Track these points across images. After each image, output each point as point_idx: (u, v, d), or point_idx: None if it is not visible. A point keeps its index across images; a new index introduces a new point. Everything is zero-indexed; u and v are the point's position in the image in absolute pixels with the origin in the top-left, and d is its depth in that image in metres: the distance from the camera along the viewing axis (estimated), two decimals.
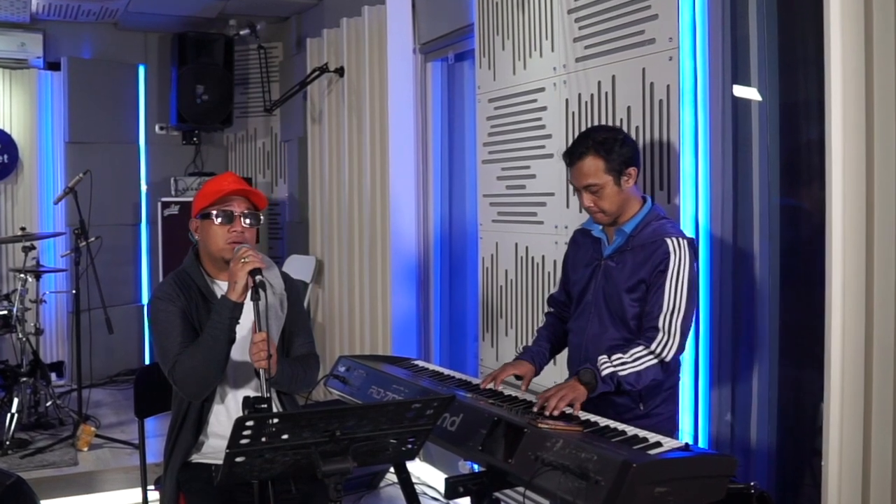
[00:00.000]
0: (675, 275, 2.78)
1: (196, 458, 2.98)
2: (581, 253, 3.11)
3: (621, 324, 2.90)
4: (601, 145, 2.87)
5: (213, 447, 2.96)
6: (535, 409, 2.67)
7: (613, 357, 2.75)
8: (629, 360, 2.74)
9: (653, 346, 2.76)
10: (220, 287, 3.00)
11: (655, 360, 2.76)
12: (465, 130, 5.19)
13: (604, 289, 2.95)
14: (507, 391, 2.98)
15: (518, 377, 3.04)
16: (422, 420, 2.30)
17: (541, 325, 3.31)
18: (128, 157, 7.62)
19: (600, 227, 3.00)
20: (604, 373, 2.72)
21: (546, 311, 3.32)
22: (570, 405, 2.67)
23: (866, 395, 2.47)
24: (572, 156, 2.92)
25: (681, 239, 2.83)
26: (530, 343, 3.24)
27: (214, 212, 2.94)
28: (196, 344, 2.85)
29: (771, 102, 3.18)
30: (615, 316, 2.92)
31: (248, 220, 2.96)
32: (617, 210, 2.91)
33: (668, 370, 2.84)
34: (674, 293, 2.78)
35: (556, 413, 2.61)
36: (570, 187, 3.64)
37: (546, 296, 3.95)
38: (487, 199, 4.44)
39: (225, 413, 2.99)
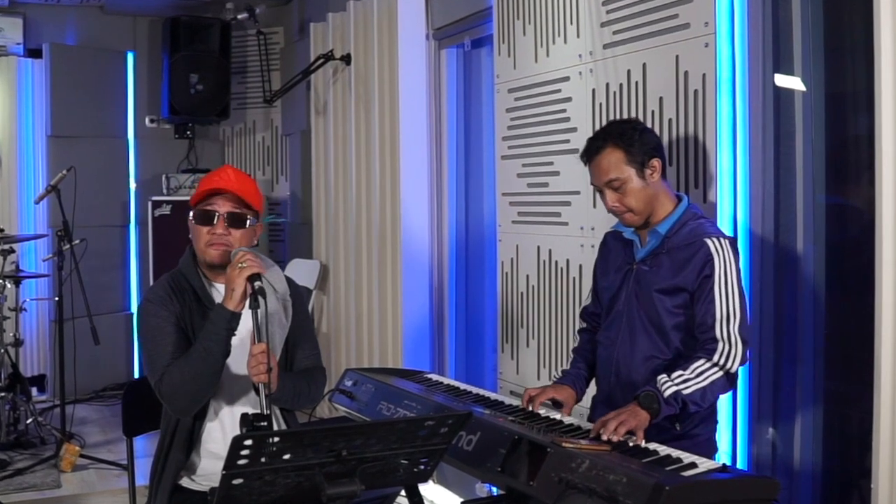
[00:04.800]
0: (723, 278, 2.76)
1: (188, 482, 2.98)
2: (612, 257, 3.10)
3: (657, 333, 2.89)
4: (620, 137, 2.89)
5: (207, 469, 2.96)
6: (591, 436, 2.62)
7: (674, 375, 2.70)
8: (692, 375, 2.69)
9: (715, 358, 2.72)
10: (218, 290, 2.99)
11: (721, 373, 2.71)
12: (482, 123, 5.20)
13: (636, 295, 2.93)
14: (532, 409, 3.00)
15: (557, 402, 3.02)
16: (436, 439, 2.31)
17: (575, 344, 3.27)
18: (115, 153, 7.67)
19: (632, 228, 3.00)
20: (666, 393, 2.66)
21: (579, 327, 3.29)
22: (632, 433, 2.60)
23: None
24: (589, 152, 2.94)
25: (722, 239, 2.82)
26: (565, 363, 3.21)
27: (196, 212, 2.94)
28: (187, 355, 2.82)
29: (815, 92, 3.19)
30: (651, 324, 2.90)
31: (230, 222, 2.93)
32: (645, 208, 2.90)
33: (736, 384, 2.81)
34: (725, 298, 2.76)
35: (615, 438, 2.55)
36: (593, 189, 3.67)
37: (570, 303, 3.97)
38: (507, 199, 4.46)
39: (220, 430, 2.99)
